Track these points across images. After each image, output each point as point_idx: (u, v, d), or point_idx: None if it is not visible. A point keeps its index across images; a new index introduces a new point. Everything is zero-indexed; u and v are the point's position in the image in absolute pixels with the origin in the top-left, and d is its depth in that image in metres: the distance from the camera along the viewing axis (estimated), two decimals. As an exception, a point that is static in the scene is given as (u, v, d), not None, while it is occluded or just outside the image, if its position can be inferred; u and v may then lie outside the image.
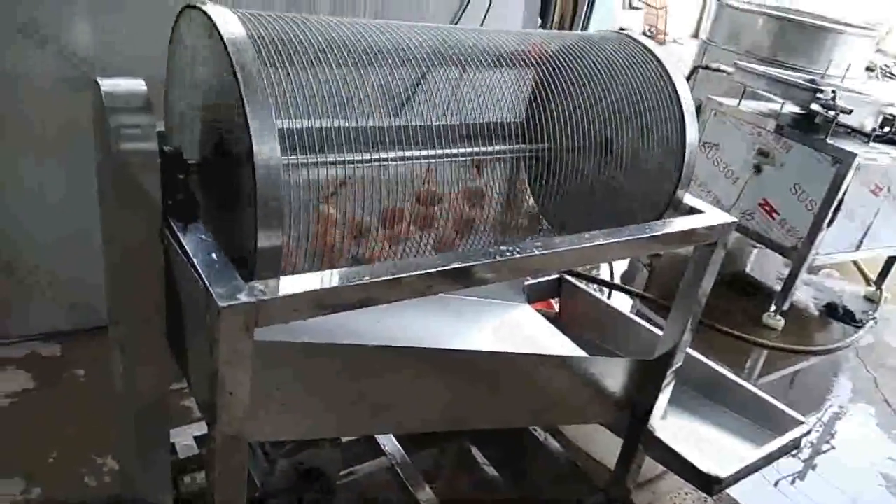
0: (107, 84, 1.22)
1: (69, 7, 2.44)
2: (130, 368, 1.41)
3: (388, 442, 2.38)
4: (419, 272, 1.31)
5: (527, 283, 2.62)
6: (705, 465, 1.99)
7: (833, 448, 3.17)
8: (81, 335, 2.83)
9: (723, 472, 1.98)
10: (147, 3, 2.46)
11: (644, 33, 13.88)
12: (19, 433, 2.38)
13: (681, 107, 1.74)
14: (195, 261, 1.20)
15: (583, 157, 1.67)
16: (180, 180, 1.27)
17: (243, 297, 1.11)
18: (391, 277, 1.27)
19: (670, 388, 2.07)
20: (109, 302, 1.49)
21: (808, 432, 2.28)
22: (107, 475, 2.27)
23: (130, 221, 1.26)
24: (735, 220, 1.86)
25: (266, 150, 1.16)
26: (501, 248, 1.46)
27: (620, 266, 4.54)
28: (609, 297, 4.05)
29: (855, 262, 4.82)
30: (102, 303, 1.52)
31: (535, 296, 2.69)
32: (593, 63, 1.71)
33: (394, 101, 1.44)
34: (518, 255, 1.45)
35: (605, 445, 2.39)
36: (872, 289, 4.76)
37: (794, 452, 2.88)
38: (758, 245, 4.35)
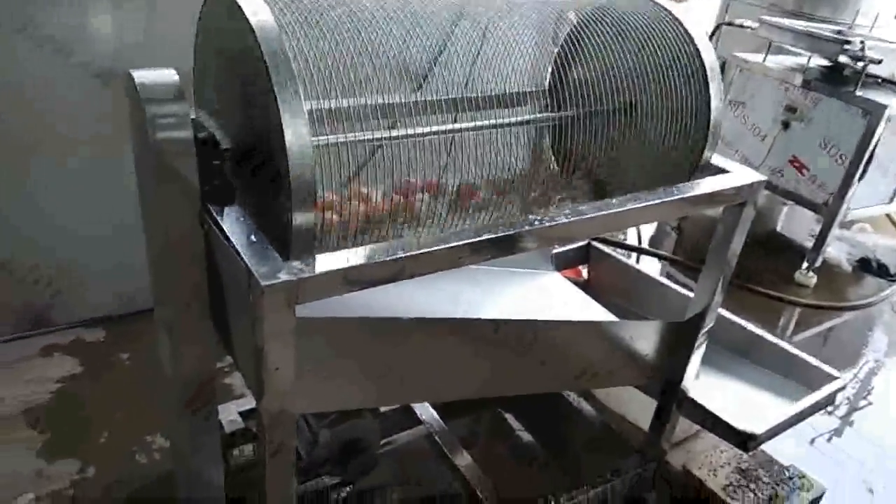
0: (140, 75, 1.24)
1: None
2: (177, 349, 1.47)
3: (425, 411, 2.43)
4: (450, 245, 1.33)
5: (555, 251, 2.63)
6: (740, 422, 2.01)
7: (870, 403, 3.16)
8: (124, 320, 2.93)
9: (758, 428, 1.99)
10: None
11: (664, -9, 13.55)
12: (70, 416, 2.48)
13: (704, 68, 1.72)
14: (235, 243, 1.24)
15: (607, 122, 1.67)
16: (216, 166, 1.30)
17: (284, 276, 1.15)
18: (423, 251, 1.30)
19: (702, 348, 2.08)
20: (154, 287, 1.54)
21: (843, 387, 2.28)
22: (157, 452, 2.36)
23: (170, 209, 1.29)
24: (764, 178, 1.85)
25: (296, 129, 1.17)
26: (530, 216, 1.47)
27: (648, 230, 4.52)
28: (638, 261, 4.04)
29: (888, 216, 4.74)
30: (140, 290, 1.54)
31: (563, 263, 2.70)
32: (614, 27, 1.70)
33: (414, 74, 1.45)
34: (547, 224, 1.46)
35: (638, 407, 2.41)
36: (907, 242, 4.69)
37: (830, 408, 2.88)
38: (788, 202, 4.30)
